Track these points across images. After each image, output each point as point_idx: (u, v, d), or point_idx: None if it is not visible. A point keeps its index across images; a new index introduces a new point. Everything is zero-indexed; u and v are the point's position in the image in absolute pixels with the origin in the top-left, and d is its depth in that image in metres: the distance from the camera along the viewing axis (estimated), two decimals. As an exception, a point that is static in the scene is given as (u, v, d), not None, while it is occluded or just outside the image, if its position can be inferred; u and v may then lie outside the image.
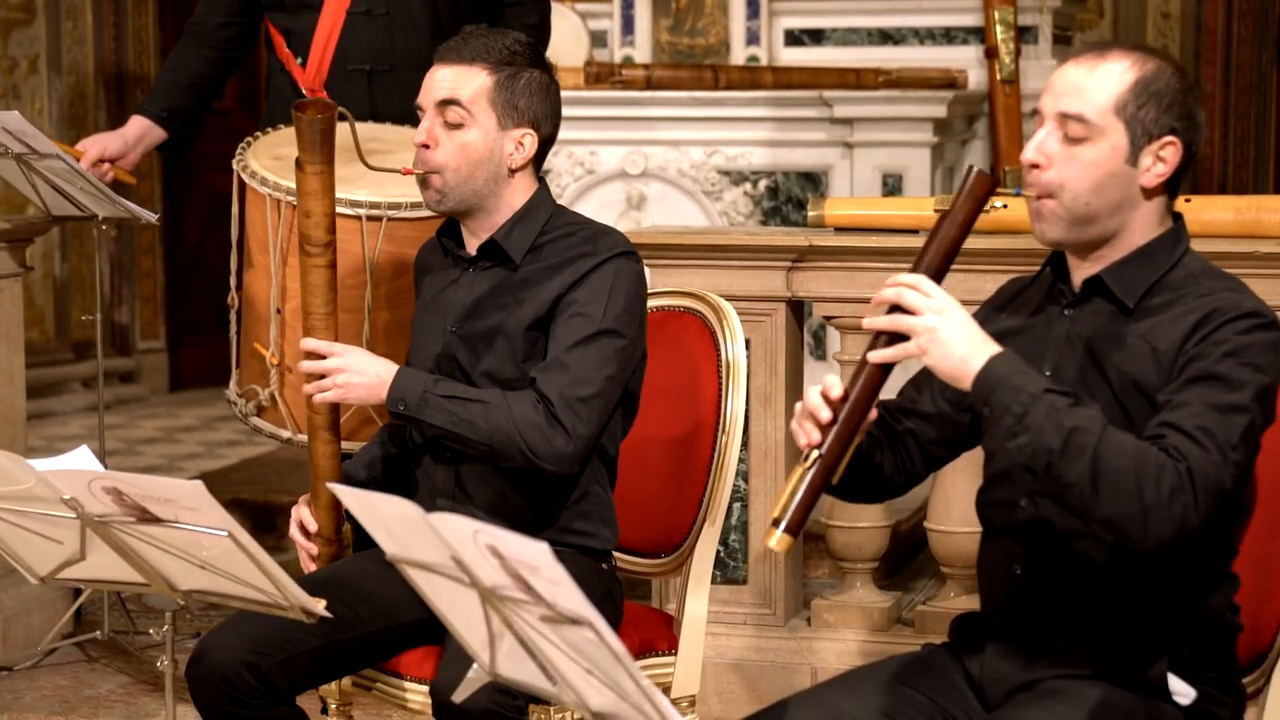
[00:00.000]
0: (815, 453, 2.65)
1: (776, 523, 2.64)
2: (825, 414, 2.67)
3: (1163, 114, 2.71)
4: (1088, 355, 2.75)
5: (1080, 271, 2.80)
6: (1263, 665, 2.94)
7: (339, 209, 3.78)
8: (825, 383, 2.70)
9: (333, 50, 4.45)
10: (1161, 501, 2.53)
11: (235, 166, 4.04)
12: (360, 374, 3.31)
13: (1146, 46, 2.82)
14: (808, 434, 2.67)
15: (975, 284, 3.98)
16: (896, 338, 2.65)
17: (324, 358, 3.35)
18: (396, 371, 3.31)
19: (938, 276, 2.68)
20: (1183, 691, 2.73)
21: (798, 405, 2.73)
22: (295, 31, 4.54)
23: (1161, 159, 2.73)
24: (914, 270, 2.68)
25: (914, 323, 2.62)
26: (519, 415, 3.22)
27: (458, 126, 3.32)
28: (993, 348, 2.63)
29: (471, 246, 3.42)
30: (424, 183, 3.36)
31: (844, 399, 2.66)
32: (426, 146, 3.34)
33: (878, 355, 2.65)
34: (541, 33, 4.67)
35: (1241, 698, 2.82)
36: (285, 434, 3.99)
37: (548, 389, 3.24)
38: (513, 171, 3.36)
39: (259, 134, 4.17)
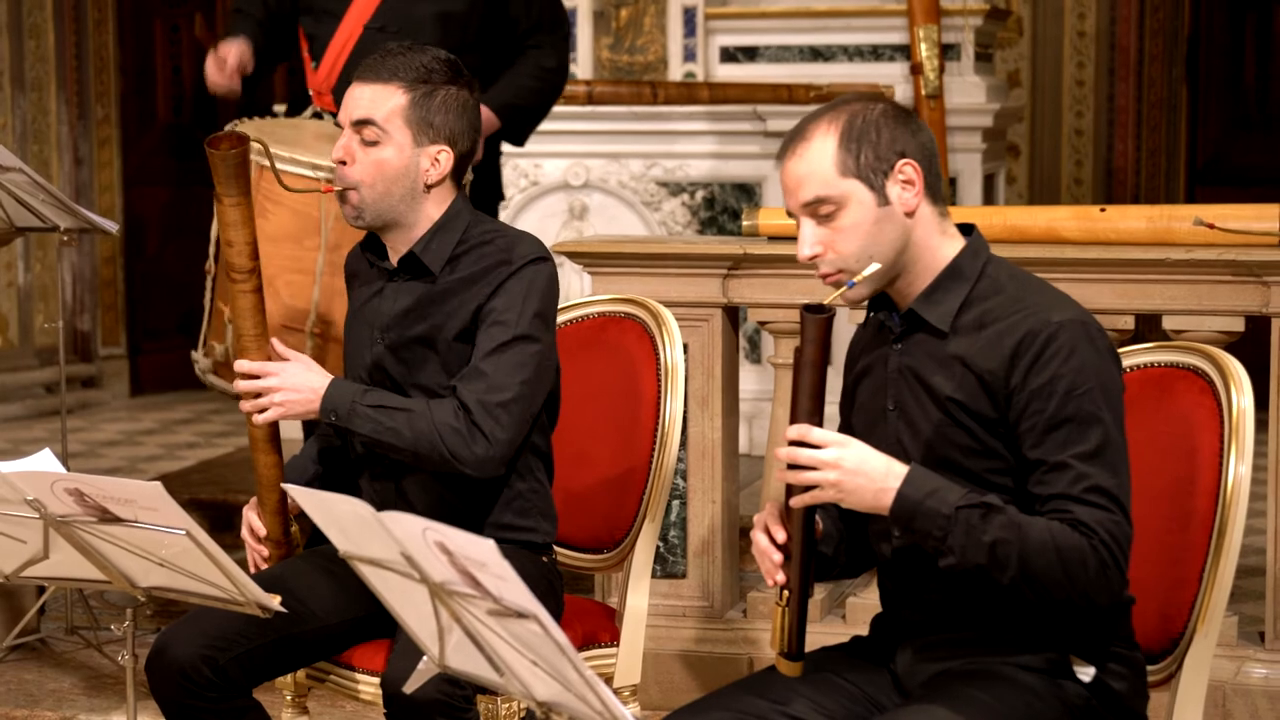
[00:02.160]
0: (785, 591, 2.78)
1: (783, 654, 2.79)
2: (778, 555, 2.78)
3: (880, 146, 2.75)
4: (919, 383, 2.81)
5: (900, 302, 2.85)
6: (1174, 652, 2.99)
7: (300, 170, 3.77)
8: (763, 525, 2.81)
9: (345, 59, 4.47)
10: (1093, 582, 2.67)
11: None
12: (295, 390, 3.33)
13: (832, 103, 2.84)
14: (772, 575, 2.78)
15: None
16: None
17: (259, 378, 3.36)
18: (329, 383, 3.34)
19: (815, 418, 2.73)
20: (1083, 669, 2.81)
21: (755, 537, 2.83)
22: (317, 37, 4.57)
23: (907, 182, 2.77)
24: (794, 420, 2.73)
25: (816, 478, 2.70)
26: (440, 421, 3.27)
27: (374, 144, 3.33)
28: (898, 475, 2.71)
29: (393, 258, 3.42)
30: (342, 198, 3.36)
31: (788, 540, 2.78)
32: (344, 163, 3.34)
33: (799, 501, 2.74)
34: (557, 75, 4.68)
35: (1140, 668, 2.88)
36: (233, 391, 4.01)
37: (466, 396, 3.28)
38: (429, 187, 3.36)
39: (241, 120, 4.16)
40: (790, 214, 2.83)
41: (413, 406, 3.31)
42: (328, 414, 3.33)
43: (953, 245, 2.84)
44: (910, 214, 2.78)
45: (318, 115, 4.41)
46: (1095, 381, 2.71)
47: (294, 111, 4.65)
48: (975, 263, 2.82)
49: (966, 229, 2.87)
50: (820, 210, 2.77)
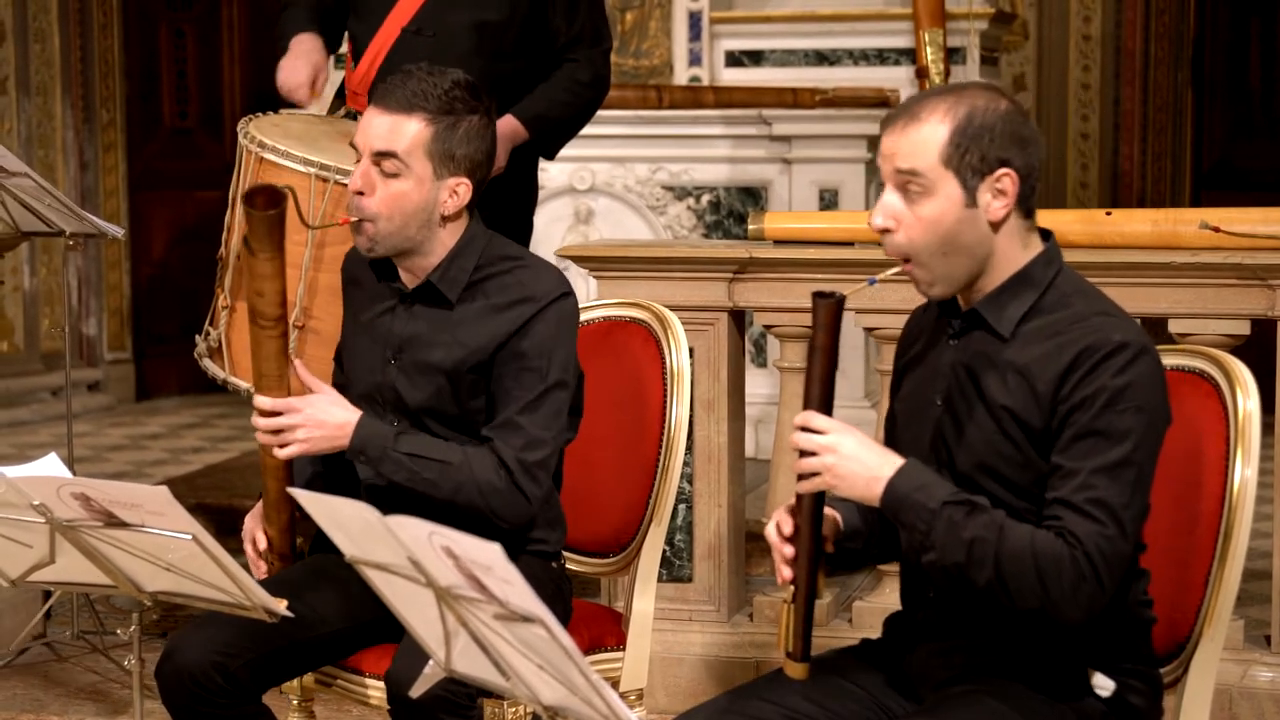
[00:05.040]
0: (791, 587, 2.79)
1: (790, 655, 2.79)
2: (789, 550, 2.79)
3: (988, 150, 2.72)
4: (973, 385, 2.80)
5: (964, 300, 2.84)
6: (1181, 655, 3.00)
7: (293, 164, 3.76)
8: (776, 518, 2.82)
9: (381, 60, 4.43)
10: (1066, 595, 2.64)
11: (248, 144, 4.01)
12: (319, 426, 3.29)
13: (956, 86, 2.82)
14: (781, 572, 2.80)
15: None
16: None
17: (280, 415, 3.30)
18: (358, 421, 3.29)
19: (825, 405, 2.76)
20: (1102, 684, 2.80)
21: (768, 532, 2.84)
22: (359, 37, 4.54)
23: (1000, 191, 2.74)
24: (805, 407, 2.77)
25: (813, 464, 2.73)
26: (482, 480, 3.25)
27: (394, 176, 3.26)
28: (892, 465, 2.73)
29: (406, 281, 3.38)
30: (356, 228, 3.31)
31: (795, 532, 2.79)
32: (361, 193, 3.29)
33: (802, 487, 2.76)
34: (590, 90, 4.61)
35: (1158, 686, 2.88)
36: (222, 375, 3.96)
37: (505, 454, 3.25)
38: (445, 219, 3.32)
39: (256, 115, 4.16)
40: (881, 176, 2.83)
41: (449, 458, 3.28)
42: (356, 454, 3.31)
43: (1029, 253, 2.82)
44: (995, 224, 2.76)
45: (350, 115, 4.41)
46: (1136, 403, 2.69)
47: (333, 109, 4.65)
48: (1046, 272, 2.81)
49: (1044, 234, 2.85)
50: (909, 185, 2.76)
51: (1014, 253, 2.80)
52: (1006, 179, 2.75)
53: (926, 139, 2.74)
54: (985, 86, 2.82)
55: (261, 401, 3.33)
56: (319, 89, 4.46)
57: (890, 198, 2.79)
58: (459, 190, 3.32)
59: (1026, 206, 2.80)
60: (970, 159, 2.73)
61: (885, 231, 2.79)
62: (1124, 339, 2.71)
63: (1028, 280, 2.80)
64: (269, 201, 3.25)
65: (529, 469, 3.26)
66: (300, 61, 4.45)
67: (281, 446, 3.31)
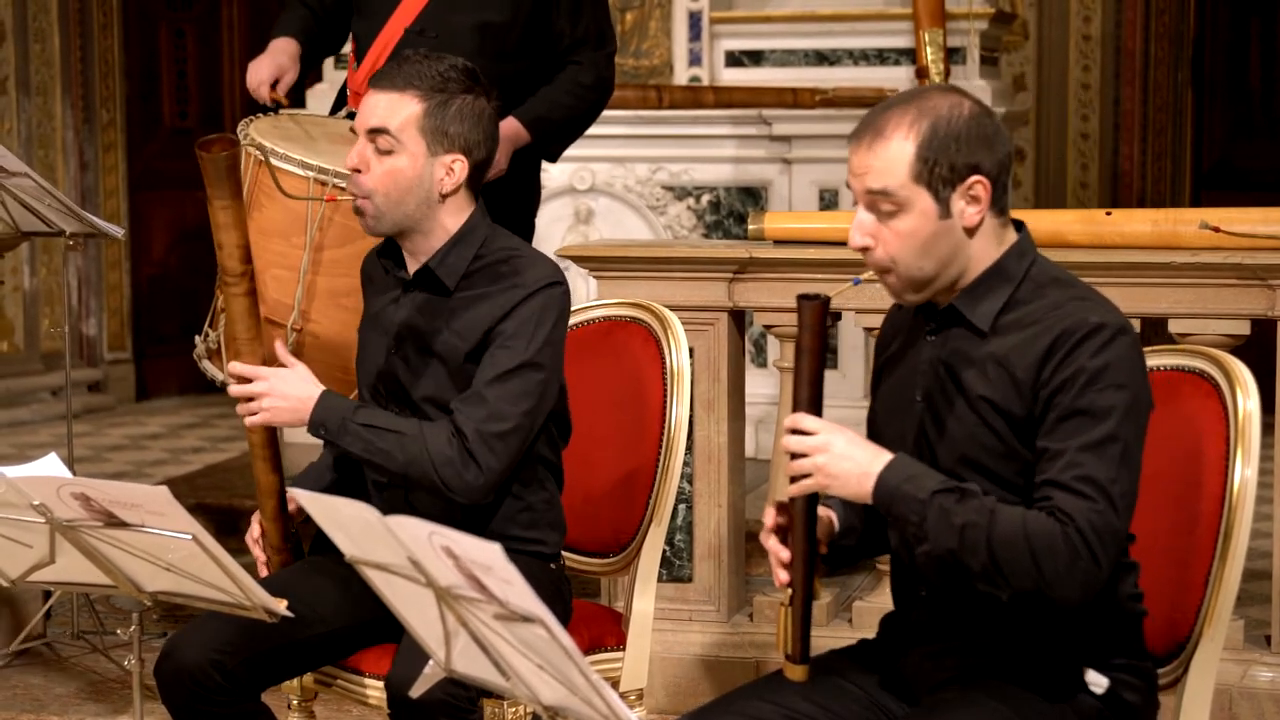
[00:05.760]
0: (788, 590, 2.79)
1: (788, 658, 2.79)
2: (785, 554, 2.80)
3: (956, 158, 2.72)
4: (952, 380, 2.81)
5: (940, 297, 2.84)
6: (1181, 655, 3.00)
7: (291, 168, 3.78)
8: (766, 516, 2.83)
9: (384, 60, 4.40)
10: (1060, 573, 2.63)
11: (248, 145, 4.05)
12: (283, 398, 3.34)
13: (917, 94, 2.80)
14: (777, 575, 2.80)
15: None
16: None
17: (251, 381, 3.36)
18: (320, 396, 3.33)
19: (814, 405, 2.76)
20: (1096, 681, 2.80)
21: (763, 537, 2.84)
22: (362, 38, 4.55)
23: (973, 198, 2.75)
24: (795, 408, 2.77)
25: (804, 465, 2.73)
26: (434, 449, 3.25)
27: (387, 153, 3.31)
28: (881, 461, 2.73)
29: (410, 268, 3.41)
30: (358, 210, 3.35)
31: (789, 534, 2.79)
32: (358, 171, 3.33)
33: (795, 489, 2.76)
34: (593, 93, 4.61)
35: (1152, 680, 2.88)
36: (221, 377, 3.97)
37: (464, 423, 3.26)
38: (444, 196, 3.34)
39: (257, 116, 4.14)
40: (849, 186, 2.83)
41: (405, 429, 3.31)
42: (316, 427, 3.34)
43: (1002, 246, 2.82)
44: (970, 229, 2.77)
45: (351, 116, 4.41)
46: (1116, 381, 2.69)
47: (335, 109, 4.66)
48: (1020, 263, 2.81)
49: (1016, 225, 2.86)
50: (881, 205, 2.75)
51: (989, 250, 2.81)
52: (979, 185, 2.75)
53: (894, 156, 2.73)
54: (946, 90, 2.81)
55: (234, 367, 3.40)
56: (280, 90, 4.45)
57: (865, 216, 2.78)
58: (455, 167, 3.34)
59: (1000, 205, 2.80)
60: (940, 170, 2.73)
61: (864, 250, 2.80)
62: (1100, 320, 2.71)
63: (1002, 274, 2.80)
64: (224, 150, 3.30)
65: (486, 439, 3.26)
66: (266, 60, 4.46)
67: (250, 415, 3.37)
